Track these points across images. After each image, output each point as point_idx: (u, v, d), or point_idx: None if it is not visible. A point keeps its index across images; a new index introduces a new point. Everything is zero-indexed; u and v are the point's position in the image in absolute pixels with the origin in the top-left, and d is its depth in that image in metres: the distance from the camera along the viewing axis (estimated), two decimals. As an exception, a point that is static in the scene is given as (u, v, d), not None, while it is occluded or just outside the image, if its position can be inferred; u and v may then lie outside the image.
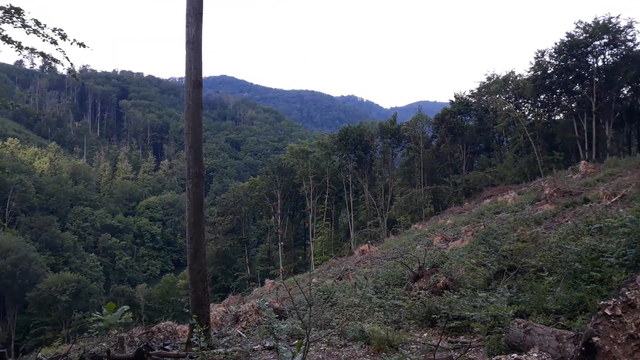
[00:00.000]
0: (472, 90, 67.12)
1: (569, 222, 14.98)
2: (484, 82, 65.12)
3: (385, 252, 28.28)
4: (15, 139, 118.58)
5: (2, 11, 9.01)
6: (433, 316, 8.64)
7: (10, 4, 8.87)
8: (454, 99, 67.75)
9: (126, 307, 5.46)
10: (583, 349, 4.76)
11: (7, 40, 9.52)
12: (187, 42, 10.59)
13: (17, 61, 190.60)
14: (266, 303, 7.21)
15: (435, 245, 23.02)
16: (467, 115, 67.69)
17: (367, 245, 33.08)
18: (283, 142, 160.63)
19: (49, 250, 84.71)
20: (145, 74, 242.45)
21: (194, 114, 10.43)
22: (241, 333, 11.36)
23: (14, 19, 9.17)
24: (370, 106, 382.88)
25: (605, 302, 4.97)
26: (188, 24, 10.61)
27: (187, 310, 8.99)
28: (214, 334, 10.75)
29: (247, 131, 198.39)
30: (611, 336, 4.65)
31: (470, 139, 65.58)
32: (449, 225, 30.79)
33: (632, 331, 4.59)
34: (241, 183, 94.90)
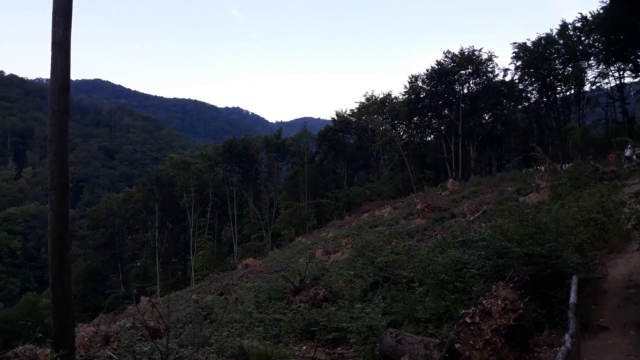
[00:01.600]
0: (352, 110, 70.27)
1: (438, 235, 16.10)
2: (364, 103, 68.49)
3: (269, 265, 28.26)
4: None
5: None
6: (312, 329, 8.74)
7: None
8: (335, 117, 70.25)
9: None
10: (447, 355, 5.09)
11: None
12: (54, 43, 9.74)
13: None
14: (128, 325, 6.77)
15: (317, 258, 23.46)
16: (348, 133, 70.56)
17: (250, 259, 32.83)
18: (163, 152, 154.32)
19: None
20: (7, 73, 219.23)
21: (59, 120, 9.63)
22: (112, 355, 10.56)
23: None
24: (256, 119, 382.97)
25: (465, 311, 5.38)
26: (55, 23, 9.77)
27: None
28: (81, 356, 9.90)
29: (123, 139, 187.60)
30: (470, 342, 5.03)
31: (351, 156, 68.34)
32: (331, 238, 31.62)
33: (488, 337, 5.01)
34: (115, 194, 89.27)
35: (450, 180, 38.87)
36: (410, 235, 19.68)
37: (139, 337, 9.00)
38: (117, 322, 14.92)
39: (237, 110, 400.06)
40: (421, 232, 19.97)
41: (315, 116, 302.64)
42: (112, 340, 12.14)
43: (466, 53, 54.04)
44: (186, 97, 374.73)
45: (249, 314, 10.80)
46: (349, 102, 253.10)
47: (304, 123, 74.37)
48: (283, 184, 72.63)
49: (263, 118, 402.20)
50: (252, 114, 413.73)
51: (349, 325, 8.00)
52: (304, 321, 9.12)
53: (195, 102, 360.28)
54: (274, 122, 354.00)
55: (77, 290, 60.50)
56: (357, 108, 69.54)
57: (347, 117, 69.91)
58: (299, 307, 10.15)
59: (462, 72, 54.84)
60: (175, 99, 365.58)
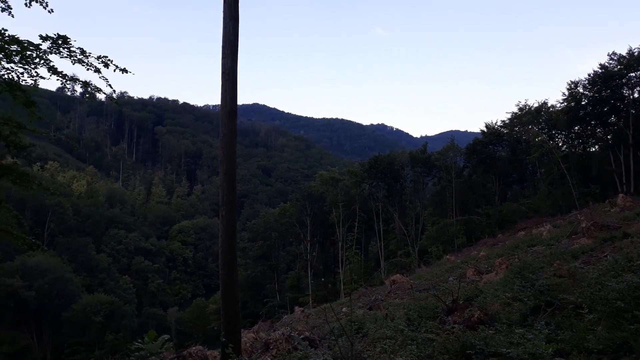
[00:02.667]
0: (503, 121, 66.51)
1: (608, 257, 14.46)
2: (516, 113, 64.45)
3: (417, 283, 27.81)
4: (55, 162, 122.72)
5: (50, 41, 9.38)
6: (468, 351, 8.40)
7: (57, 33, 9.22)
8: (485, 129, 67.13)
9: (166, 337, 5.52)
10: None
11: (54, 71, 9.87)
12: (223, 73, 10.88)
13: (58, 87, 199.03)
14: (296, 332, 7.17)
15: (468, 278, 22.49)
16: (499, 145, 66.87)
17: (398, 275, 32.59)
18: (313, 170, 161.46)
19: (85, 271, 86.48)
20: (181, 102, 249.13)
21: (228, 142, 10.64)
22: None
23: (61, 49, 9.54)
24: (400, 135, 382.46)
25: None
26: (224, 56, 10.92)
27: (223, 339, 8.97)
28: (244, 361, 10.69)
29: (278, 158, 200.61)
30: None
31: (503, 170, 64.59)
32: (482, 257, 30.12)
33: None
34: (272, 209, 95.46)
35: (621, 195, 34.63)
36: (574, 256, 17.94)
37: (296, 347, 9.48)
38: (276, 330, 15.86)
39: (381, 127, 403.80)
40: (587, 253, 18.07)
41: (462, 129, 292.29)
42: (271, 347, 12.94)
43: (636, 54, 48.13)
44: (334, 117, 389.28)
45: (400, 331, 10.74)
46: (498, 114, 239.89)
47: (451, 136, 72.29)
48: (429, 200, 71.17)
49: (407, 133, 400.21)
50: (397, 129, 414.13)
51: (509, 350, 7.55)
52: (458, 343, 8.81)
53: (342, 121, 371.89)
54: (418, 136, 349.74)
55: (240, 298, 65.51)
56: (509, 119, 65.71)
57: (497, 128, 66.41)
58: (453, 328, 9.84)
59: (631, 74, 48.87)
60: (323, 119, 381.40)
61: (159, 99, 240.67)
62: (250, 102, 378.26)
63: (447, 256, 42.97)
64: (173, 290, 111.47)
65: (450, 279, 24.20)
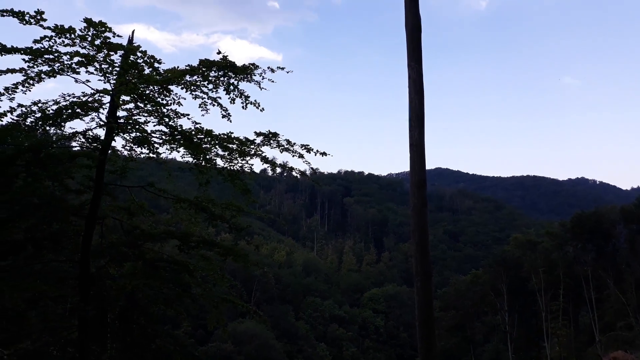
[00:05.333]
0: None
1: None
2: None
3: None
4: (259, 236, 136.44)
5: (262, 137, 11.04)
6: None
7: (269, 130, 10.82)
8: None
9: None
10: None
11: (266, 160, 11.51)
12: (411, 145, 11.33)
13: (262, 169, 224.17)
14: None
15: None
16: None
17: (619, 351, 28.24)
18: (505, 232, 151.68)
19: (285, 338, 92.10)
20: (366, 173, 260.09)
21: (419, 212, 10.86)
22: None
23: (271, 141, 11.14)
24: (606, 188, 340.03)
25: None
26: (411, 129, 11.40)
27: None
28: None
29: (465, 222, 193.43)
30: None
31: None
32: None
33: None
34: (462, 276, 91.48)
35: None
36: None
37: None
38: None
39: (581, 181, 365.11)
40: None
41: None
42: None
43: None
44: (524, 174, 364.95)
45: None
46: None
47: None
48: (653, 262, 61.02)
49: (614, 186, 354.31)
50: (600, 182, 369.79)
51: None
52: None
53: (534, 178, 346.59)
54: (628, 188, 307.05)
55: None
56: None
57: None
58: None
59: None
60: (512, 177, 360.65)
61: (346, 172, 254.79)
62: (433, 167, 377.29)
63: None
64: (367, 359, 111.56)
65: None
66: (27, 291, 8.11)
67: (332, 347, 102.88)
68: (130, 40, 10.22)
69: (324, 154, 11.02)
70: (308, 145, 10.68)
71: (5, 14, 7.94)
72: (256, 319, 77.80)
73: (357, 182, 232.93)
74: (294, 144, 10.86)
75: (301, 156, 11.09)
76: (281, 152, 11.27)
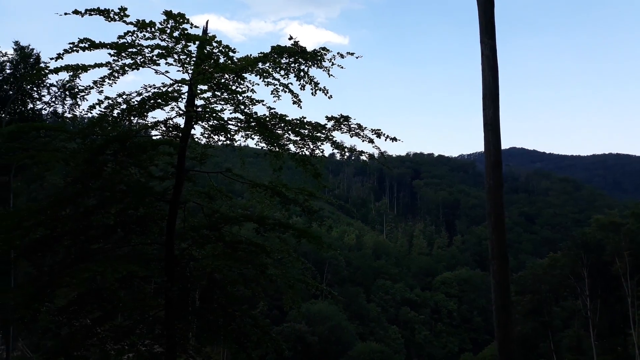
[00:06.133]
0: None
1: None
2: None
3: None
4: (330, 219, 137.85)
5: (334, 121, 11.06)
6: None
7: (340, 114, 10.81)
8: None
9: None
10: None
11: (336, 145, 11.51)
12: (485, 125, 10.96)
13: (330, 154, 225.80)
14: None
15: None
16: None
17: None
18: (585, 214, 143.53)
19: (357, 320, 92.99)
20: (435, 154, 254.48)
21: (495, 194, 10.54)
22: None
23: (342, 126, 11.14)
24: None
25: None
26: (485, 107, 11.02)
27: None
28: None
29: (542, 203, 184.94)
30: None
31: None
32: None
33: None
34: (539, 260, 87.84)
35: None
36: None
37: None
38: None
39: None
40: None
41: None
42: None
43: None
44: (606, 152, 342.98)
45: None
46: None
47: None
48: None
49: None
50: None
51: None
52: None
53: (618, 156, 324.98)
54: None
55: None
56: None
57: None
58: None
59: None
60: (593, 155, 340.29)
61: (415, 154, 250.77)
62: (507, 147, 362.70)
63: None
64: (439, 343, 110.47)
65: None
66: (119, 272, 8.72)
67: (404, 330, 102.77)
68: (205, 30, 10.58)
69: (394, 139, 10.87)
70: (379, 130, 10.60)
71: (92, 12, 8.46)
72: (329, 300, 79.13)
73: (426, 164, 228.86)
74: (365, 128, 10.81)
75: (371, 141, 11.00)
76: (351, 137, 11.25)
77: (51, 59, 9.03)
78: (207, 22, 10.70)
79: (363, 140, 11.14)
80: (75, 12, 8.36)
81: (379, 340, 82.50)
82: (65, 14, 8.30)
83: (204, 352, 12.42)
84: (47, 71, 9.59)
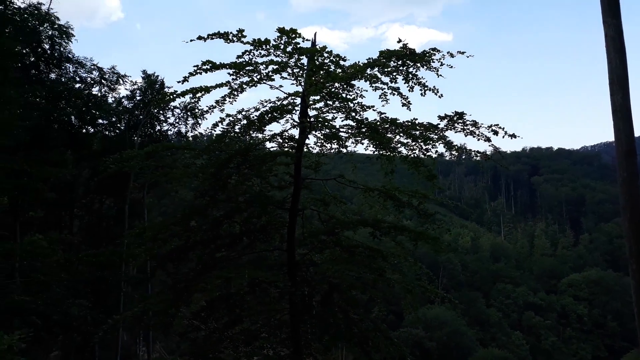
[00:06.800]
0: None
1: None
2: None
3: None
4: (441, 221, 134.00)
5: (447, 120, 10.77)
6: None
7: (455, 111, 10.51)
8: None
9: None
10: None
11: (449, 146, 11.13)
12: (614, 111, 10.08)
13: (439, 154, 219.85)
14: None
15: None
16: None
17: None
18: None
19: (477, 325, 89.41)
20: (555, 148, 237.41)
21: (629, 186, 9.63)
22: None
23: (456, 124, 10.82)
24: None
25: None
26: (612, 92, 10.15)
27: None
28: None
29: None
30: None
31: None
32: None
33: None
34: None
35: None
36: None
37: None
38: None
39: None
40: None
41: None
42: None
43: None
44: None
45: None
46: None
47: None
48: None
49: None
50: None
51: None
52: None
53: None
54: None
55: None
56: None
57: None
58: None
59: None
60: None
61: (531, 149, 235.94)
62: (638, 135, 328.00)
63: None
64: (569, 349, 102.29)
65: None
66: (247, 278, 9.30)
67: (528, 336, 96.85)
68: (314, 42, 10.95)
69: (513, 135, 10.30)
70: (498, 125, 10.15)
71: (213, 37, 9.16)
72: (446, 305, 77.03)
73: (545, 158, 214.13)
74: (480, 125, 10.42)
75: (487, 139, 10.55)
76: (465, 136, 10.86)
77: (178, 82, 9.90)
78: (315, 34, 11.07)
79: (478, 139, 10.71)
80: (199, 37, 9.11)
81: (501, 347, 78.53)
82: (191, 40, 9.07)
83: (329, 355, 12.75)
84: (175, 95, 10.51)
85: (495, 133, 10.36)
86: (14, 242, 20.80)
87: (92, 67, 30.00)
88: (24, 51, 24.81)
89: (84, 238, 28.95)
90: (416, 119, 10.37)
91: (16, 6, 23.06)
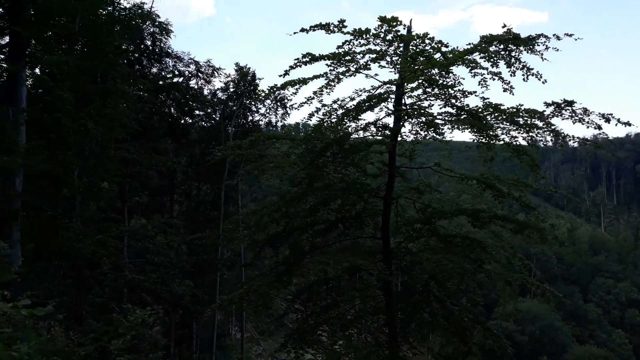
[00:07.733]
0: None
1: None
2: None
3: None
4: (535, 211, 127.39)
5: (554, 106, 10.20)
6: None
7: (563, 98, 9.93)
8: None
9: None
10: None
11: (556, 133, 10.49)
12: None
13: (533, 140, 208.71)
14: None
15: None
16: None
17: None
18: None
19: (573, 321, 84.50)
20: None
21: None
22: None
23: (563, 112, 10.21)
24: None
25: None
26: None
27: None
28: None
29: None
30: None
31: None
32: None
33: None
34: None
35: None
36: None
37: None
38: None
39: None
40: None
41: None
42: None
43: None
44: None
45: None
46: None
47: None
48: None
49: None
50: None
51: None
52: None
53: None
54: None
55: None
56: None
57: None
58: None
59: None
60: None
61: (637, 134, 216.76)
62: None
63: None
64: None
65: None
66: (345, 264, 9.49)
67: (632, 335, 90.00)
68: (409, 29, 10.80)
69: (627, 123, 9.57)
70: (611, 114, 9.45)
71: (315, 28, 9.33)
72: (539, 299, 73.63)
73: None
74: (591, 112, 9.77)
75: (598, 127, 9.87)
76: (574, 123, 10.25)
77: (279, 75, 10.22)
78: (410, 21, 10.90)
79: (588, 127, 10.06)
80: (302, 29, 9.32)
81: (600, 345, 73.62)
82: (294, 33, 9.31)
83: (425, 343, 12.73)
84: (276, 88, 10.83)
85: (608, 121, 9.68)
86: (125, 225, 22.62)
87: (189, 61, 31.70)
88: (130, 48, 26.64)
89: (183, 222, 30.79)
90: (522, 105, 9.94)
91: (122, 6, 24.78)
